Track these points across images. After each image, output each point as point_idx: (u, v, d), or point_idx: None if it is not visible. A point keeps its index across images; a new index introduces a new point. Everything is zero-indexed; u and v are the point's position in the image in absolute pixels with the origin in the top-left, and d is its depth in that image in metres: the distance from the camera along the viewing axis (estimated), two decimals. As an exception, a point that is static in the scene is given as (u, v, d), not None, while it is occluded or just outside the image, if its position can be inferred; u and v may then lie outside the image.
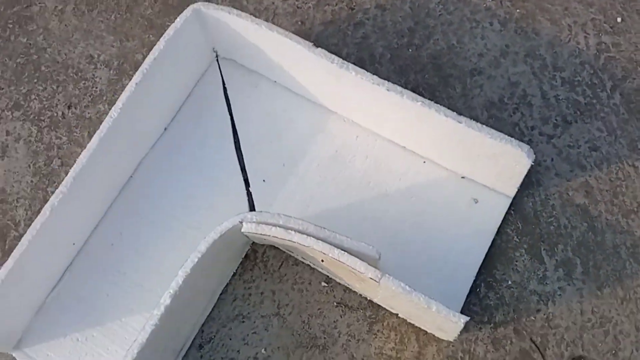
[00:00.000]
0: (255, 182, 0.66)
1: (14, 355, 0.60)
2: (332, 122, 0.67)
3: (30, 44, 0.77)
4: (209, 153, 0.67)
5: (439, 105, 0.56)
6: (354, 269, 0.52)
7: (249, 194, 0.65)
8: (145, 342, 0.51)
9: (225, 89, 0.70)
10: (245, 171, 0.66)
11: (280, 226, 0.54)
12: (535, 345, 0.57)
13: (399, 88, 0.57)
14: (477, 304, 0.59)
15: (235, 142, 0.68)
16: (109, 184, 0.64)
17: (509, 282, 0.59)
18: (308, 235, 0.54)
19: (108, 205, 0.65)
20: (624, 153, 0.64)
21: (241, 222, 0.55)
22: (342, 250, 0.53)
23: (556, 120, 0.66)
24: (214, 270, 0.60)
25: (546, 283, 0.59)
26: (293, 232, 0.54)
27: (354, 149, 0.66)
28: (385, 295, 0.55)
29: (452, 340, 0.57)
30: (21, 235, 0.57)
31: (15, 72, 0.75)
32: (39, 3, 0.79)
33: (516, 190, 0.60)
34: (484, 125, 0.55)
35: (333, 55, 0.59)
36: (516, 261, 0.60)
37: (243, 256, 0.63)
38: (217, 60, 0.71)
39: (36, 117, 0.72)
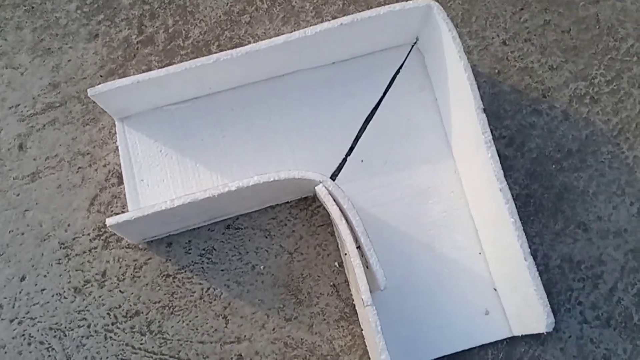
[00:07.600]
0: (355, 157, 0.74)
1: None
2: (447, 169, 0.73)
3: None
4: (344, 107, 0.75)
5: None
6: (357, 282, 0.61)
7: (343, 161, 0.73)
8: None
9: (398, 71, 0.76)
10: (356, 142, 0.74)
11: (340, 206, 0.63)
12: None
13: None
14: None
15: (367, 118, 0.75)
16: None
17: None
18: (353, 230, 0.62)
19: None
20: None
21: (320, 182, 0.64)
22: (361, 260, 0.61)
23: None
24: (273, 190, 0.70)
25: None
26: (344, 220, 0.62)
27: (440, 191, 0.72)
28: (363, 316, 0.64)
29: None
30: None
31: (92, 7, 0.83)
32: None
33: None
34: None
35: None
36: None
37: (303, 196, 0.73)
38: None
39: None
